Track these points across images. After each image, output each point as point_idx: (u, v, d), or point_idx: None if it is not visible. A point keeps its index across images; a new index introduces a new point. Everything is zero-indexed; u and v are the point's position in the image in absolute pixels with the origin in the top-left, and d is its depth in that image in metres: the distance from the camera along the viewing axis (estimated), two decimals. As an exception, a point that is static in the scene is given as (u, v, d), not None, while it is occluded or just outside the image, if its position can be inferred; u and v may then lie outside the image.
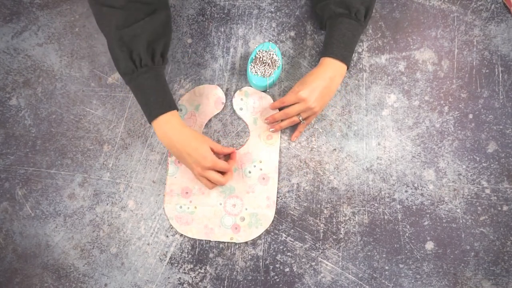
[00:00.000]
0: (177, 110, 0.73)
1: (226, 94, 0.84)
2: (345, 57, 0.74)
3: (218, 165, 0.74)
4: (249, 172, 0.81)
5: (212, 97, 0.83)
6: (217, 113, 0.83)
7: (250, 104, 0.82)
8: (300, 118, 0.77)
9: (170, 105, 0.72)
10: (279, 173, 0.81)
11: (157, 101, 0.71)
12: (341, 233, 0.80)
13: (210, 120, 0.83)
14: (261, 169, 0.81)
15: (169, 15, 0.74)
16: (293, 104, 0.76)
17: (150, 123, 0.73)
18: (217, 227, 0.79)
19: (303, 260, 0.79)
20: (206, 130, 0.83)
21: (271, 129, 0.80)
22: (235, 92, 0.83)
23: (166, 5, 0.73)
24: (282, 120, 0.79)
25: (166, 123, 0.71)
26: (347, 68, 0.75)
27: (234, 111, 0.83)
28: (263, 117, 0.82)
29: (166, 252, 0.80)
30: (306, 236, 0.80)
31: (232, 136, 0.83)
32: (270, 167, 0.81)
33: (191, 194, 0.80)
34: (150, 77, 0.70)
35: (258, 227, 0.79)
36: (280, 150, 0.82)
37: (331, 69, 0.74)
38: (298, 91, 0.74)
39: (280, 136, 0.82)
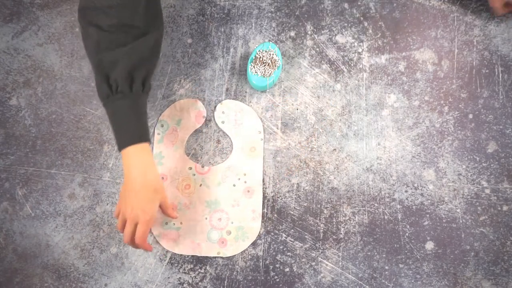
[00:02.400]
0: (149, 143, 0.69)
1: (226, 94, 0.84)
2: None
3: (142, 229, 0.67)
4: (234, 185, 0.80)
5: (192, 111, 0.82)
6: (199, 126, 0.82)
7: (232, 117, 0.82)
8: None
9: (141, 136, 0.67)
10: (279, 173, 0.81)
11: (128, 131, 0.67)
12: (341, 233, 0.80)
13: (208, 118, 0.83)
14: (245, 182, 0.80)
15: (160, 37, 0.70)
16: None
17: (119, 151, 0.68)
18: (203, 242, 0.79)
19: (303, 260, 0.79)
20: (206, 130, 0.83)
21: None
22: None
23: (159, 25, 0.70)
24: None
25: (133, 155, 0.67)
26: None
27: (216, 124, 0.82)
28: (246, 129, 0.81)
29: (166, 252, 0.80)
30: (306, 236, 0.80)
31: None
32: (255, 179, 0.80)
33: (176, 210, 0.80)
34: (125, 105, 0.66)
35: (245, 240, 0.79)
36: (280, 150, 0.82)
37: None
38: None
39: (264, 148, 0.82)
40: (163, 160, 0.81)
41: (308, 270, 0.79)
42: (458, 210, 0.80)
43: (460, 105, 0.83)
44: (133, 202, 0.67)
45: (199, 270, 0.79)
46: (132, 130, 0.67)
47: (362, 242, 0.79)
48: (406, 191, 0.81)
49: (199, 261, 0.79)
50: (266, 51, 0.79)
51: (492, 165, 0.81)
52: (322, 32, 0.85)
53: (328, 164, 0.82)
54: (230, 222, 0.80)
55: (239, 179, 0.80)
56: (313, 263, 0.79)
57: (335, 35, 0.85)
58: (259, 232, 0.80)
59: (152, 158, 0.69)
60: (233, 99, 0.84)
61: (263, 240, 0.80)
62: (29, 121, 0.84)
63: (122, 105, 0.67)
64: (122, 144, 0.67)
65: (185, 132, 0.82)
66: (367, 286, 0.78)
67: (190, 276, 0.79)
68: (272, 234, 0.80)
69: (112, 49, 0.65)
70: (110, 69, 0.65)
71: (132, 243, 0.69)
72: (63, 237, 0.81)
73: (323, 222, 0.80)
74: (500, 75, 0.84)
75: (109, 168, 0.82)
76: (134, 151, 0.67)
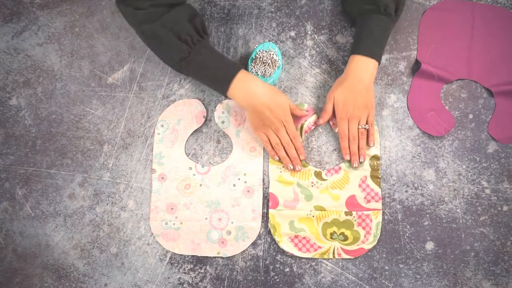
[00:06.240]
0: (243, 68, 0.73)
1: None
2: (374, 53, 0.75)
3: (290, 129, 0.75)
4: (234, 185, 0.80)
5: (192, 111, 0.82)
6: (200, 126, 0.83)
7: (232, 117, 0.82)
8: (364, 126, 0.77)
9: (236, 66, 0.72)
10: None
11: (224, 68, 0.71)
12: (341, 233, 0.80)
13: (208, 118, 0.83)
14: (245, 182, 0.80)
15: (190, 5, 0.74)
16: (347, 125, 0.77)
17: (225, 96, 0.73)
18: (203, 242, 0.79)
19: (303, 260, 0.79)
20: (206, 130, 0.83)
21: (354, 165, 0.79)
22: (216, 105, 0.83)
23: (184, 1, 0.74)
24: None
25: (242, 81, 0.71)
26: (379, 64, 0.76)
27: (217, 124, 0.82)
28: (246, 130, 0.81)
29: (166, 252, 0.80)
30: (306, 236, 0.80)
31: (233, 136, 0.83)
32: (255, 179, 0.80)
33: (176, 210, 0.80)
34: (207, 51, 0.71)
35: (245, 240, 0.79)
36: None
37: (359, 68, 0.75)
38: (331, 96, 0.77)
39: (264, 148, 0.81)
40: (163, 160, 0.81)
41: (308, 270, 0.79)
42: (458, 210, 0.80)
43: (460, 105, 0.83)
44: (268, 115, 0.72)
45: (199, 270, 0.79)
46: (226, 66, 0.72)
47: (362, 242, 0.79)
48: (406, 191, 0.81)
49: (199, 261, 0.79)
50: (266, 51, 0.79)
51: (492, 165, 0.81)
52: (322, 32, 0.85)
53: (328, 164, 0.82)
54: (230, 222, 0.79)
55: (239, 179, 0.80)
56: (313, 263, 0.79)
57: (335, 35, 0.85)
58: (259, 232, 0.80)
59: (255, 77, 0.73)
60: (233, 99, 0.84)
61: (263, 240, 0.80)
62: (29, 121, 0.84)
63: (205, 53, 0.71)
64: (226, 84, 0.71)
65: (185, 132, 0.82)
66: (367, 286, 0.78)
67: (190, 276, 0.79)
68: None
69: (167, 12, 0.69)
70: (175, 27, 0.69)
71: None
72: (63, 237, 0.81)
73: (323, 222, 0.80)
74: (500, 75, 0.84)
75: (109, 168, 0.82)
76: (239, 81, 0.71)
